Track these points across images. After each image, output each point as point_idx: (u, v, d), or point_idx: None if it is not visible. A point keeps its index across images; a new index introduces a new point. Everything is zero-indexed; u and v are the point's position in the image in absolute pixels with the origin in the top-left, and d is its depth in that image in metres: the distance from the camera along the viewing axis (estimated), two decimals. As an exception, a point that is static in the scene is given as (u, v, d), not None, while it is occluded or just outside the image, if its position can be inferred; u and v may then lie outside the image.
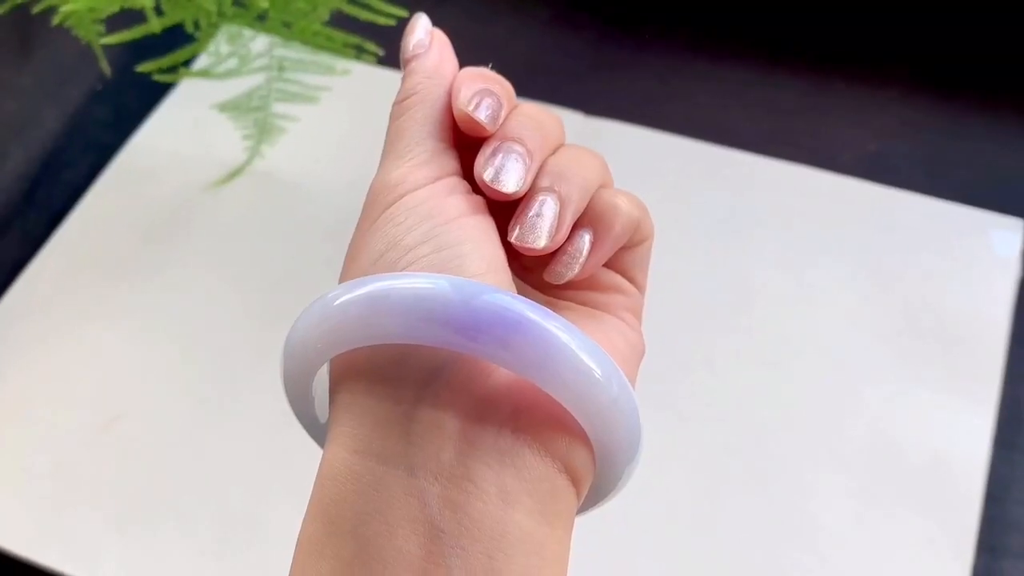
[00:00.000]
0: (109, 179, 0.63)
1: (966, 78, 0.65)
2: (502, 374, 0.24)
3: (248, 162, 0.61)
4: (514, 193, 0.26)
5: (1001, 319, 0.55)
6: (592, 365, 0.24)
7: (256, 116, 0.56)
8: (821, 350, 0.54)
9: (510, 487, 0.24)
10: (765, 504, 0.50)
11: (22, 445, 0.54)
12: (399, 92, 0.29)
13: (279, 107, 0.57)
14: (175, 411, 0.54)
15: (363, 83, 0.61)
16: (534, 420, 0.24)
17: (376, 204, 0.27)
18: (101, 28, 0.50)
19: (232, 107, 0.56)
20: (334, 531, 0.24)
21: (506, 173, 0.26)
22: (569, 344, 0.23)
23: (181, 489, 0.52)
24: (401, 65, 0.29)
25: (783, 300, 0.56)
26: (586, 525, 0.47)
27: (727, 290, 0.57)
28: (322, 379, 0.27)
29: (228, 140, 0.61)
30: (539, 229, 0.26)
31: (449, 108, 0.28)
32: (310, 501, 0.25)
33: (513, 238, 0.26)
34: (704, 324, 0.55)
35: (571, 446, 0.25)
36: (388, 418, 0.24)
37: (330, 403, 0.26)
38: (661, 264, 0.57)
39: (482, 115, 0.27)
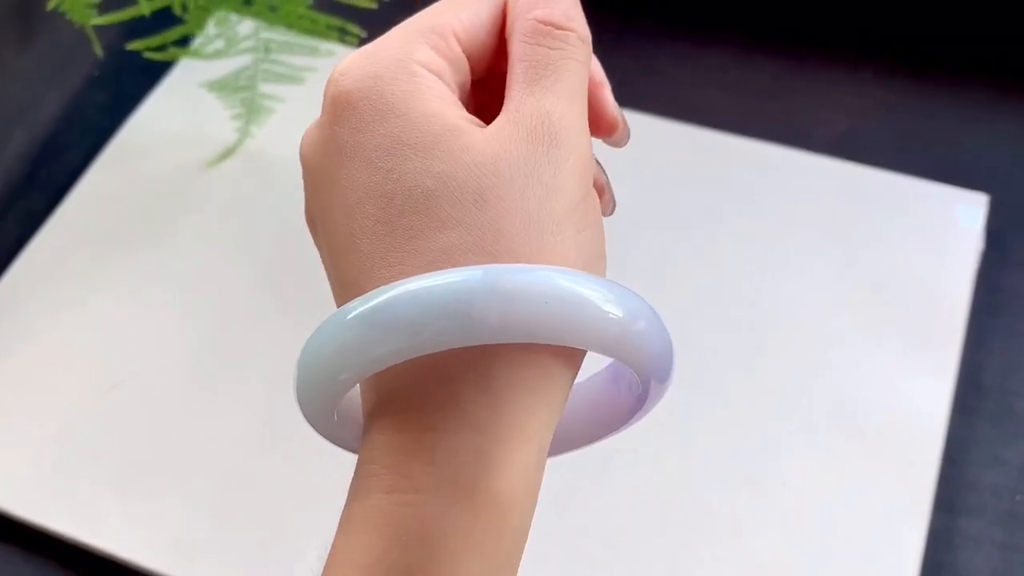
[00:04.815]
0: (107, 159, 0.66)
1: (936, 60, 0.67)
2: None
3: (239, 142, 0.63)
4: None
5: (963, 289, 0.57)
6: (617, 312, 0.24)
7: (244, 96, 0.59)
8: (789, 318, 0.56)
9: None
10: (732, 461, 0.52)
11: (27, 412, 0.56)
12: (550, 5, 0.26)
13: (267, 87, 0.60)
14: (172, 378, 0.57)
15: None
16: None
17: (585, 175, 0.25)
18: (94, 12, 0.52)
19: (220, 87, 0.58)
20: None
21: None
22: (594, 302, 0.24)
23: (179, 452, 0.54)
24: None
25: (754, 271, 0.58)
26: (561, 485, 0.50)
27: (701, 261, 0.59)
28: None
29: (220, 121, 0.63)
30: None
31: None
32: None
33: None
34: (677, 293, 0.58)
35: None
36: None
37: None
38: (638, 237, 0.60)
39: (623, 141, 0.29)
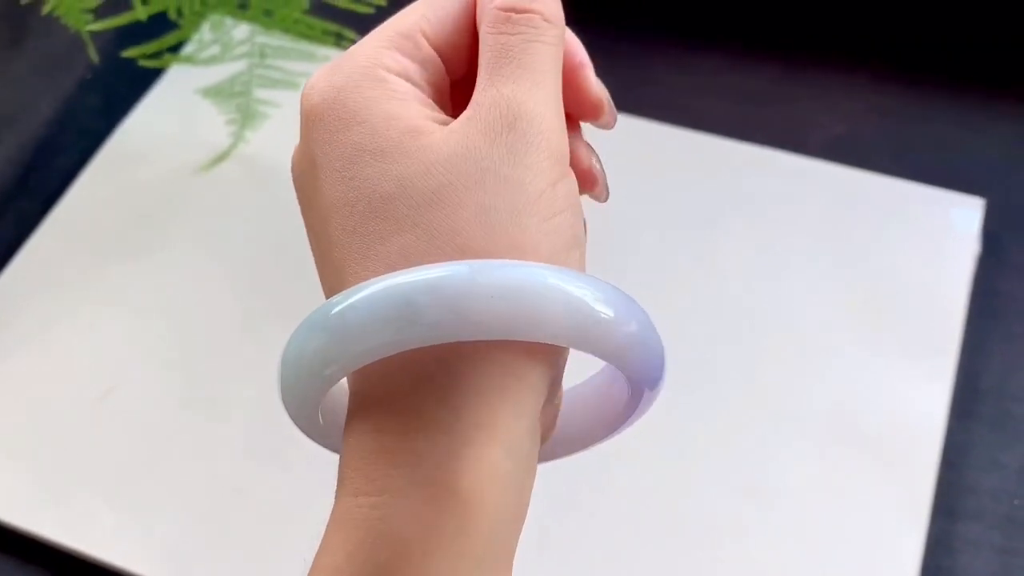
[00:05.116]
0: (100, 164, 0.65)
1: (931, 64, 0.67)
2: None
3: (232, 147, 0.62)
4: None
5: (960, 293, 0.57)
6: (608, 312, 0.24)
7: (239, 101, 0.58)
8: (786, 321, 0.56)
9: None
10: (730, 467, 0.52)
11: (19, 418, 0.56)
12: None
13: (262, 93, 0.59)
14: (165, 384, 0.56)
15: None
16: None
17: (554, 161, 0.25)
18: (89, 17, 0.52)
19: (215, 93, 0.58)
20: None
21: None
22: (585, 299, 0.24)
23: (173, 459, 0.54)
24: None
25: (751, 274, 0.58)
26: (562, 488, 0.49)
27: (698, 265, 0.59)
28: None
29: (214, 126, 0.63)
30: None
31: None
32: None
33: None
34: (676, 296, 0.57)
35: None
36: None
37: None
38: (636, 241, 0.59)
39: (611, 121, 0.28)
